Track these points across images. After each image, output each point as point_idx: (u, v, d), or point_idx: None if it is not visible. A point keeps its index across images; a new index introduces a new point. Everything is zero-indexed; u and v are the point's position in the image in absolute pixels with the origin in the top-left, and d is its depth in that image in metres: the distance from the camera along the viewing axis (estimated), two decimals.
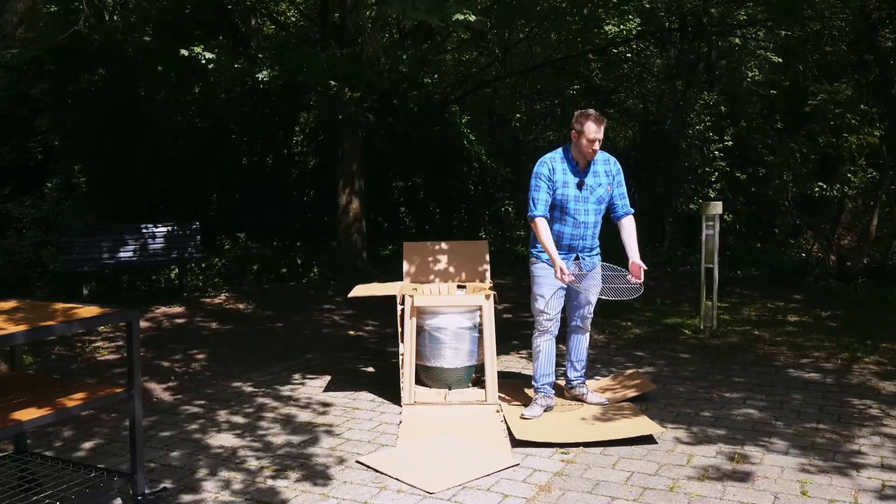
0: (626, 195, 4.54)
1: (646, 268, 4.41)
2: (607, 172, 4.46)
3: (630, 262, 4.40)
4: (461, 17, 4.57)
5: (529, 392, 4.77)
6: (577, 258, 4.47)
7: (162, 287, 9.48)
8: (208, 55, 7.75)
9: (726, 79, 12.01)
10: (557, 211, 4.42)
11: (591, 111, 4.37)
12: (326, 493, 3.53)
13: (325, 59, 7.38)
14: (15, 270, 9.49)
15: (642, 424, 4.23)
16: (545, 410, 4.52)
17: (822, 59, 10.46)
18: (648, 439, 4.11)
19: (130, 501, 3.21)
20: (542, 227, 4.35)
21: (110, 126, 10.52)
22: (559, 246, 4.41)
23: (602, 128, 4.32)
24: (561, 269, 4.22)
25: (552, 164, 4.40)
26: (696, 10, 10.07)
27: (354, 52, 7.74)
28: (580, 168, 4.41)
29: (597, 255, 4.57)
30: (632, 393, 4.83)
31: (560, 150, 4.48)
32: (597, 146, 4.33)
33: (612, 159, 4.52)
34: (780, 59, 11.40)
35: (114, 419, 4.57)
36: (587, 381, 4.88)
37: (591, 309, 4.64)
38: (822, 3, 9.06)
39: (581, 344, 4.71)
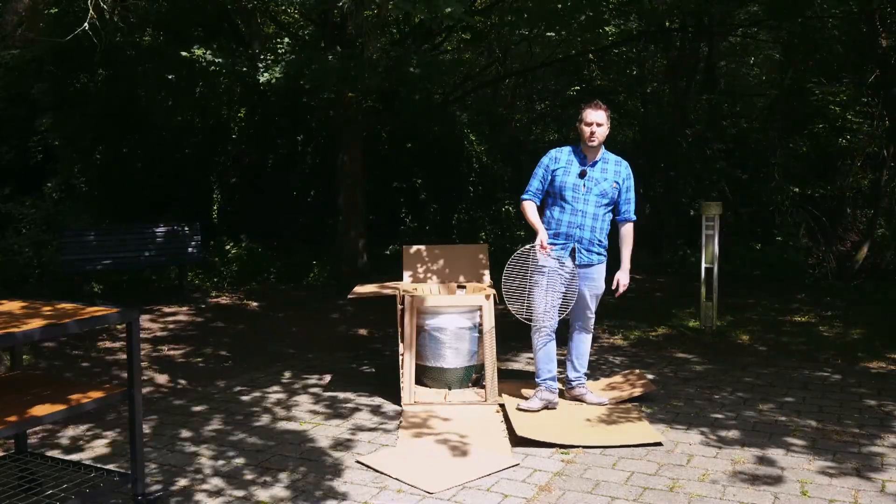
0: (631, 201, 4.60)
1: (625, 285, 4.57)
2: (616, 172, 4.53)
3: (616, 274, 4.58)
4: (449, 9, 4.60)
5: (531, 392, 4.77)
6: (574, 249, 4.48)
7: (162, 287, 9.47)
8: (209, 57, 7.74)
9: (726, 79, 12.02)
10: (558, 197, 4.51)
11: (597, 101, 4.52)
12: (326, 493, 3.53)
13: (326, 62, 7.36)
14: (15, 270, 9.48)
15: (643, 431, 4.22)
16: (545, 406, 4.51)
17: (822, 59, 10.46)
18: None
19: (130, 501, 3.21)
20: (528, 208, 4.57)
21: (110, 126, 10.51)
22: (557, 233, 4.50)
23: (599, 112, 4.42)
24: (541, 242, 4.37)
25: (557, 154, 4.56)
26: (696, 10, 10.06)
27: (354, 54, 7.73)
28: (588, 162, 4.50)
29: (597, 254, 4.55)
30: (632, 393, 4.83)
31: (571, 146, 4.63)
32: (595, 129, 4.41)
33: (624, 163, 4.60)
34: (782, 57, 11.39)
35: (114, 419, 4.57)
36: (588, 382, 4.88)
37: (593, 310, 4.64)
38: (823, 2, 9.06)
39: (582, 344, 4.71)
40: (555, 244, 4.49)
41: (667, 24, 11.13)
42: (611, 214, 4.58)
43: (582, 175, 4.47)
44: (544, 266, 4.45)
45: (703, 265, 6.65)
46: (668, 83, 12.15)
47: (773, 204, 10.71)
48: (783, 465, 3.79)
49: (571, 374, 4.74)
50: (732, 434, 4.23)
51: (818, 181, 10.40)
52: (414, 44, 9.00)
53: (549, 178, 4.53)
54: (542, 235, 4.43)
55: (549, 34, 7.81)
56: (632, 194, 4.60)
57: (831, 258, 9.85)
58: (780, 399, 4.86)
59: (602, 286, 4.60)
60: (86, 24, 5.76)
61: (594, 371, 5.55)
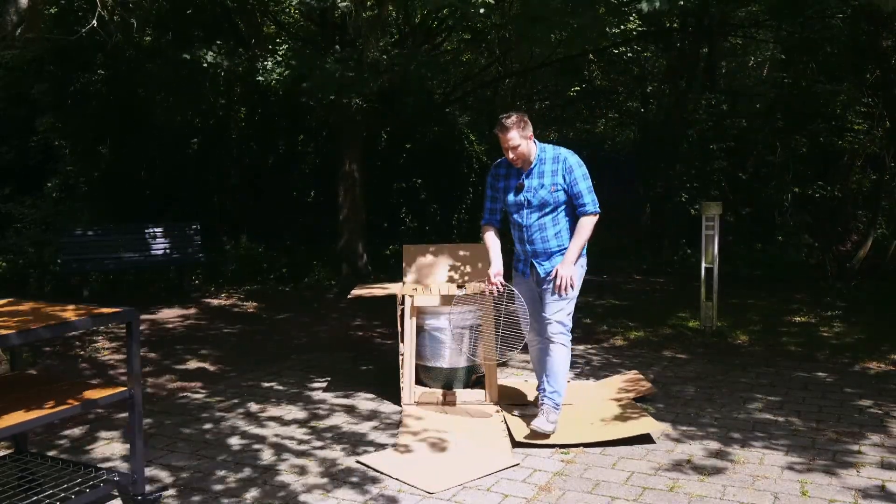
0: (583, 194, 4.08)
1: (563, 277, 4.03)
2: (554, 172, 4.11)
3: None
4: (483, 10, 4.67)
5: (530, 394, 4.77)
6: (532, 265, 4.26)
7: (162, 287, 9.48)
8: (210, 59, 7.74)
9: (727, 78, 12.02)
10: (512, 216, 4.28)
11: (501, 121, 4.10)
12: (326, 493, 3.53)
13: (326, 69, 7.34)
14: (15, 270, 9.49)
15: (643, 423, 4.23)
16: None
17: (822, 59, 10.46)
18: (648, 439, 4.11)
19: (130, 501, 3.21)
20: (483, 233, 4.36)
21: (110, 126, 10.52)
22: (518, 254, 4.33)
23: (508, 134, 4.04)
24: (488, 277, 4.19)
25: (496, 169, 4.31)
26: (696, 10, 10.07)
27: (354, 55, 7.74)
28: (525, 171, 4.17)
29: (560, 256, 4.16)
30: (632, 395, 4.83)
31: None
32: (511, 154, 4.09)
33: (564, 156, 4.13)
34: (782, 56, 11.40)
35: (114, 419, 4.57)
36: (588, 382, 4.83)
37: (554, 318, 4.12)
38: (823, 1, 9.07)
39: (543, 358, 4.23)
40: (517, 268, 4.35)
41: (667, 24, 11.13)
42: (564, 214, 4.14)
43: (518, 190, 4.16)
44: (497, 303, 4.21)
45: (703, 265, 6.65)
46: (668, 83, 12.16)
47: (774, 204, 10.71)
48: (783, 464, 3.79)
49: (541, 384, 4.30)
50: (732, 434, 4.22)
51: (818, 181, 10.41)
52: (414, 43, 9.00)
53: (499, 196, 4.28)
54: (492, 268, 4.18)
55: (551, 36, 7.81)
56: (581, 187, 4.08)
57: (831, 258, 9.85)
58: (780, 399, 4.86)
59: (554, 297, 4.14)
60: (93, 21, 5.77)
61: (595, 372, 5.55)
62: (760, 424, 4.38)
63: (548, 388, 4.16)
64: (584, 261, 4.23)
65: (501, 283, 4.19)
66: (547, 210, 4.13)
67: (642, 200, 11.78)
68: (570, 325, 4.18)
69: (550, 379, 4.16)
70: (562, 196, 4.11)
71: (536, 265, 4.20)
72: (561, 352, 4.14)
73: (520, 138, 4.07)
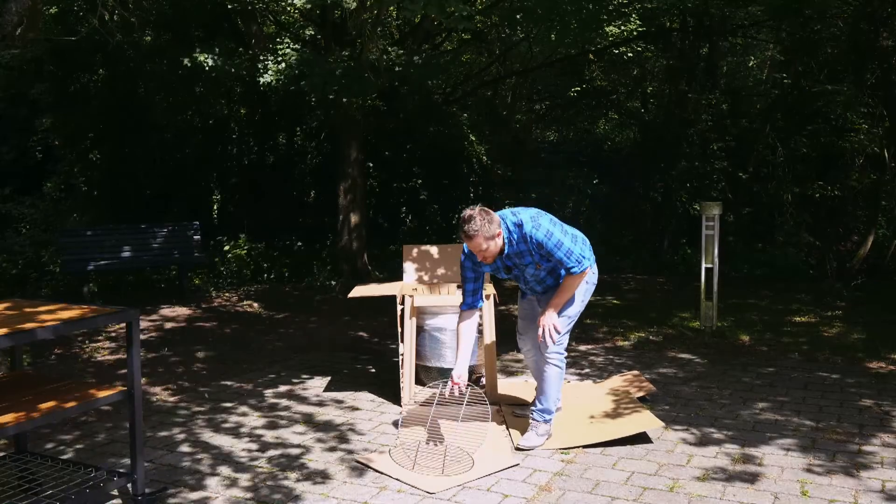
0: (563, 261, 3.88)
1: (545, 326, 3.96)
2: (529, 252, 3.92)
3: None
4: (463, 13, 4.64)
5: (530, 394, 4.77)
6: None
7: (162, 287, 9.48)
8: (210, 62, 7.74)
9: (727, 78, 12.02)
10: None
11: (463, 227, 3.81)
12: (326, 493, 3.52)
13: (326, 72, 7.33)
14: (15, 270, 9.49)
15: (644, 421, 4.22)
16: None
17: (822, 59, 10.45)
18: (649, 439, 4.11)
19: (130, 501, 3.21)
20: (460, 324, 4.09)
21: (110, 126, 10.53)
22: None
23: (473, 242, 3.80)
24: (451, 378, 4.02)
25: (469, 251, 4.02)
26: (696, 11, 10.07)
27: (354, 54, 7.74)
28: (502, 253, 3.97)
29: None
30: (633, 394, 4.83)
31: None
32: (482, 256, 3.89)
33: (529, 234, 3.87)
34: (782, 57, 11.41)
35: (114, 419, 4.57)
36: (587, 383, 4.82)
37: (546, 336, 4.01)
38: (823, 2, 9.06)
39: (539, 367, 4.18)
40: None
41: (667, 24, 11.13)
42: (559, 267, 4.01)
43: (507, 270, 4.06)
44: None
45: (703, 265, 6.64)
46: (668, 83, 12.15)
47: (774, 204, 10.71)
48: (783, 464, 3.78)
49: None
50: (732, 434, 4.22)
51: (818, 181, 10.41)
52: (414, 43, 9.01)
53: (481, 274, 4.08)
54: (455, 370, 4.00)
55: (550, 35, 7.80)
56: (559, 255, 3.86)
57: (831, 258, 9.85)
58: (780, 399, 4.86)
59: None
60: (95, 21, 5.78)
61: (597, 372, 5.55)
62: (761, 424, 4.38)
63: (538, 406, 4.16)
64: (591, 277, 4.17)
65: (465, 384, 4.04)
66: (541, 270, 4.04)
67: (642, 200, 11.77)
68: (566, 342, 4.16)
69: (542, 398, 4.14)
70: (548, 262, 3.97)
71: (541, 296, 4.19)
72: (553, 373, 4.10)
73: (486, 242, 3.81)
